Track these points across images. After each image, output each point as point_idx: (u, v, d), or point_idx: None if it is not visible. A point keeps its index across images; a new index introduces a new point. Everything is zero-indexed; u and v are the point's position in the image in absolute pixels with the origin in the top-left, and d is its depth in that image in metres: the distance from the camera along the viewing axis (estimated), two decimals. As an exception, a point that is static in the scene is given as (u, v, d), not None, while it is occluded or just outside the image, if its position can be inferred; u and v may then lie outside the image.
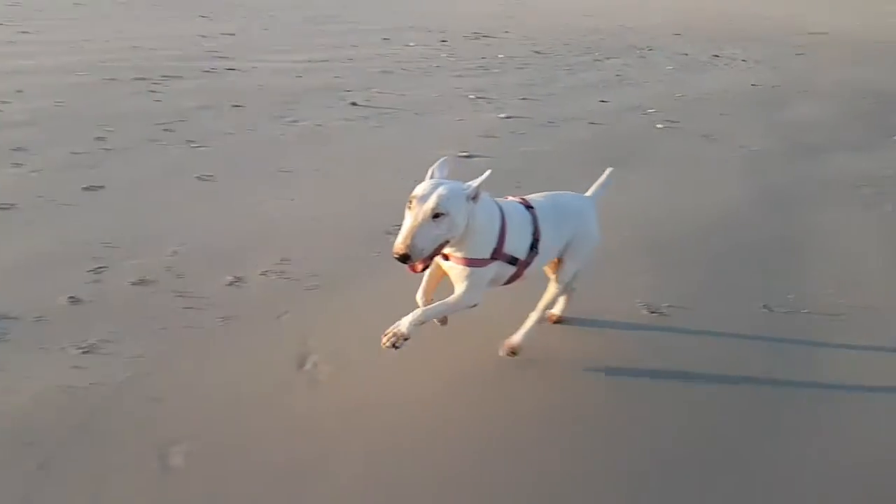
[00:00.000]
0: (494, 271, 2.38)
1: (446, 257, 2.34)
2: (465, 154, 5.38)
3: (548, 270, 2.70)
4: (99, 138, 5.17)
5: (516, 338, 2.63)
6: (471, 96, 7.62)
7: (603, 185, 2.91)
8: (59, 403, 2.18)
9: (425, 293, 2.51)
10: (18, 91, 6.54)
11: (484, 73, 9.17)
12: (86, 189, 4.09)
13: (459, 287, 2.34)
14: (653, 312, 3.05)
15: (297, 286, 3.11)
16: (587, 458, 2.15)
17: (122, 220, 3.68)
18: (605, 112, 7.16)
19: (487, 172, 2.22)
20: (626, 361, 2.67)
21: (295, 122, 6.15)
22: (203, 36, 11.04)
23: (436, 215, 2.10)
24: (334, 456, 2.09)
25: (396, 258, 2.07)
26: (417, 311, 2.30)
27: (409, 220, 2.11)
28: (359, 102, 7.01)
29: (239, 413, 2.23)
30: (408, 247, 2.06)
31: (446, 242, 2.20)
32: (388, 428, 2.24)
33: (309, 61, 9.32)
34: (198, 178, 4.47)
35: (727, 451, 2.23)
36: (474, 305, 2.38)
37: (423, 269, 2.20)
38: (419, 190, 2.15)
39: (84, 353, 2.45)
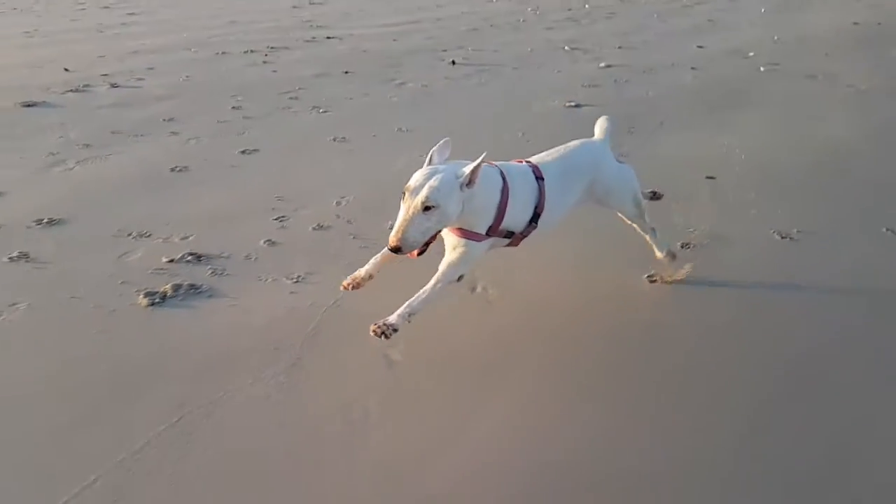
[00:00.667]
0: (490, 244, 2.38)
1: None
2: (572, 104, 5.61)
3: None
4: (235, 108, 5.67)
5: (660, 253, 2.85)
6: (566, 48, 7.79)
7: (606, 130, 2.83)
8: (289, 320, 2.63)
9: (375, 264, 2.48)
10: (150, 68, 7.15)
11: (573, 25, 9.27)
12: (242, 152, 4.57)
13: (451, 255, 2.34)
14: (784, 237, 3.27)
15: (450, 227, 3.49)
16: (731, 364, 2.45)
17: (283, 177, 4.13)
18: (704, 57, 7.21)
19: (483, 155, 2.20)
20: (763, 281, 2.91)
21: (403, 83, 6.50)
22: (295, 7, 11.52)
23: (427, 208, 2.09)
24: (512, 357, 2.45)
25: (390, 250, 2.13)
26: (404, 306, 2.26)
27: (402, 212, 2.12)
28: (458, 61, 7.30)
29: (431, 325, 2.62)
30: (399, 240, 2.09)
31: (439, 231, 2.21)
32: (550, 335, 2.58)
33: (400, 24, 9.64)
34: (333, 139, 4.89)
35: (852, 360, 2.48)
36: (460, 278, 2.37)
37: (420, 255, 2.19)
38: (413, 181, 2.15)
39: (295, 282, 2.90)
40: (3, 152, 4.61)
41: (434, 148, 2.31)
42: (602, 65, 6.94)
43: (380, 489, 1.91)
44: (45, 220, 3.50)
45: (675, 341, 2.55)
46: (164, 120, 5.35)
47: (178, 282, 2.87)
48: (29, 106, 5.77)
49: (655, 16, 9.86)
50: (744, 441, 2.07)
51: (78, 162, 4.41)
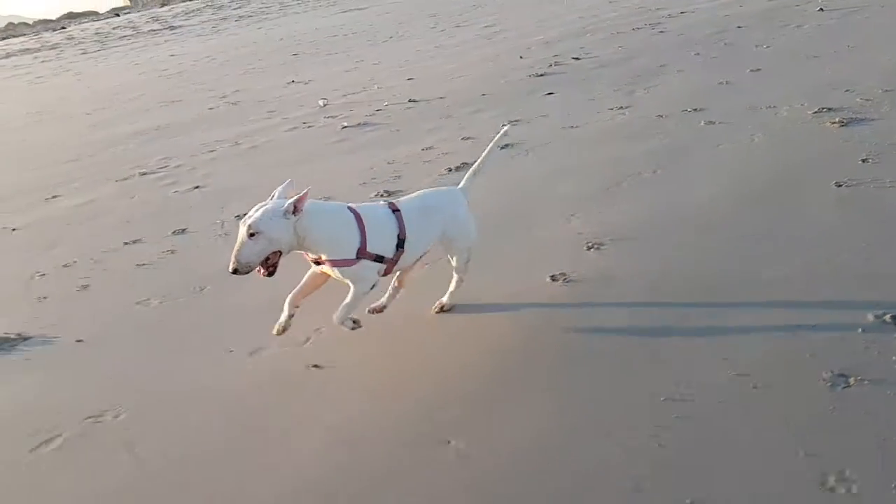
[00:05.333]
0: (371, 266, 2.67)
1: (318, 262, 2.66)
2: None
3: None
4: (696, 54, 7.98)
5: (445, 299, 3.07)
6: None
7: (467, 179, 3.09)
8: None
9: (295, 296, 2.76)
10: (581, 48, 9.72)
11: None
12: (751, 70, 6.83)
13: (350, 283, 2.68)
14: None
15: None
16: None
17: (789, 83, 6.25)
18: None
19: (307, 189, 2.52)
20: None
21: (799, 26, 8.44)
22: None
23: (251, 234, 2.45)
24: None
25: (230, 272, 2.46)
26: (334, 316, 2.71)
27: (237, 239, 2.48)
28: (823, 8, 9.17)
29: None
30: (234, 262, 2.46)
31: (278, 253, 2.53)
32: None
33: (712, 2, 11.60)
34: (806, 56, 6.95)
35: None
36: (373, 287, 2.73)
37: (268, 275, 2.54)
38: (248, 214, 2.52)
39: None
40: (576, 101, 7.25)
41: (278, 188, 2.69)
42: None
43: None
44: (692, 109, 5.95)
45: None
46: (634, 76, 7.69)
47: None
48: (540, 76, 8.49)
49: None
50: None
51: (647, 89, 6.91)
